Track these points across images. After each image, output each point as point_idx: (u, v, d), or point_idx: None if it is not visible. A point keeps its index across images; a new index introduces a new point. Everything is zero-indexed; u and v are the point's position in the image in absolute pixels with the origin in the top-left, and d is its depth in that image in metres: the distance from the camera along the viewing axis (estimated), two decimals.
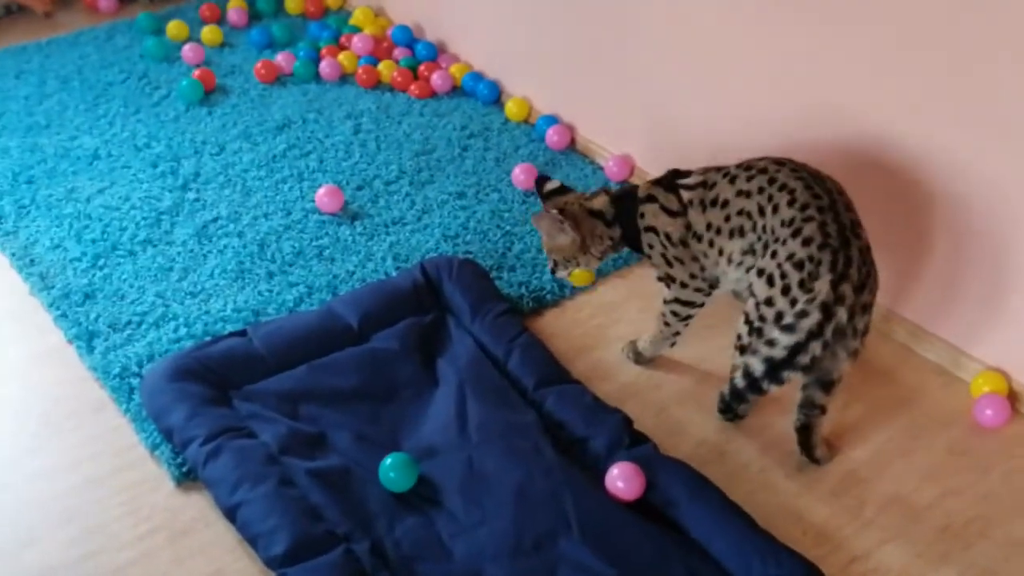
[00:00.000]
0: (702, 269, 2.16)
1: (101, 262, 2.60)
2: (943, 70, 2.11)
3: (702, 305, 2.24)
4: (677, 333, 2.30)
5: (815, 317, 1.87)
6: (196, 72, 3.39)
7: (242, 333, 2.28)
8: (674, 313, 2.25)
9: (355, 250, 2.67)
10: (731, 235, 2.06)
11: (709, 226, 2.10)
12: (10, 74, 3.46)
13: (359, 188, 2.92)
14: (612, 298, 2.57)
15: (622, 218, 2.22)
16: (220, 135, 3.16)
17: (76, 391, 2.26)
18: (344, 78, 3.50)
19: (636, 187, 2.24)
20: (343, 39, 3.66)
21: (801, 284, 1.91)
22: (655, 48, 2.76)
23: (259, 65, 3.46)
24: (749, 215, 2.02)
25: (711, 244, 2.11)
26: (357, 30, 3.71)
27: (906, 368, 2.38)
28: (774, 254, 1.96)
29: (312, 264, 2.62)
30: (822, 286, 1.88)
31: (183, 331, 2.38)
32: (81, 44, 3.68)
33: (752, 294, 2.00)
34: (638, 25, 2.78)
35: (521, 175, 2.93)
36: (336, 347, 2.28)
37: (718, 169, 2.14)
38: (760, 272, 1.98)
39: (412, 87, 3.40)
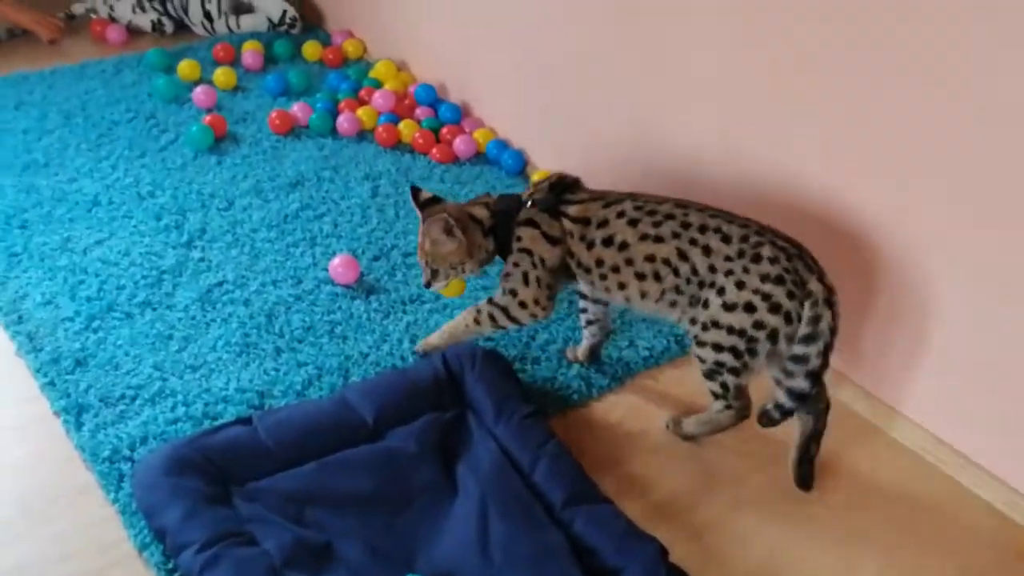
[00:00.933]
0: (549, 299, 2.20)
1: (95, 324, 2.41)
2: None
3: (518, 329, 2.32)
4: (481, 335, 2.33)
5: (828, 315, 1.97)
6: (207, 117, 3.23)
7: (247, 421, 2.10)
8: (491, 317, 2.26)
9: (370, 328, 2.50)
10: (640, 278, 2.10)
11: (600, 262, 2.13)
12: (10, 104, 3.28)
13: (375, 258, 2.75)
14: (642, 401, 2.41)
15: (497, 232, 2.22)
16: (229, 188, 2.98)
17: (60, 472, 2.06)
18: (362, 134, 3.34)
19: (518, 202, 2.21)
20: (363, 92, 3.50)
21: (790, 295, 1.97)
22: (693, 131, 2.62)
23: (273, 115, 3.29)
24: (667, 261, 2.06)
25: (604, 277, 2.14)
26: (378, 83, 3.56)
27: (957, 505, 2.22)
28: (740, 284, 1.99)
29: (323, 342, 2.44)
30: (815, 286, 1.98)
31: (181, 410, 2.19)
32: (87, 77, 3.51)
33: (721, 325, 2.02)
34: (677, 106, 2.64)
35: None
36: (349, 443, 2.10)
37: (605, 203, 2.13)
38: (731, 307, 2.00)
39: (433, 150, 3.24)
